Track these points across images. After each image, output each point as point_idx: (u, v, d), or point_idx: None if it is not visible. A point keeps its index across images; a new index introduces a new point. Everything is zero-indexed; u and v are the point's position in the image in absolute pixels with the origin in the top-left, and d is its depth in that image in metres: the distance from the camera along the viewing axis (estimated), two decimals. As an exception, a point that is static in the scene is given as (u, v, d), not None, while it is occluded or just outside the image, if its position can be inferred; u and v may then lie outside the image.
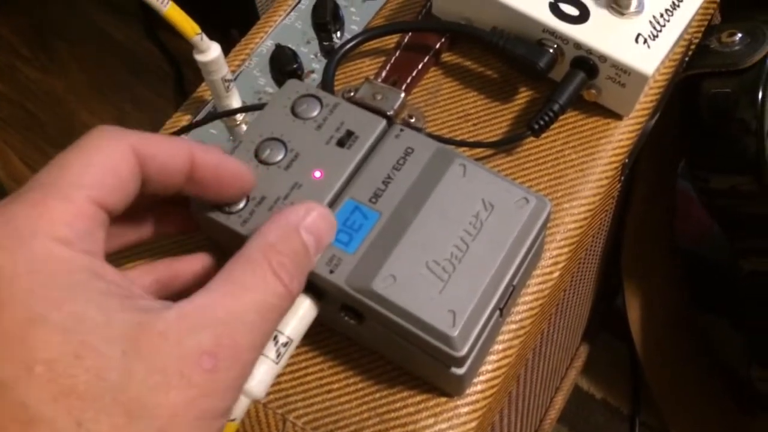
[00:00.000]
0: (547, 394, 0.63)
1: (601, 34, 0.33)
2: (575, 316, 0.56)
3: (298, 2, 0.42)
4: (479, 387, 0.30)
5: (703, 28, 0.41)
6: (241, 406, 0.26)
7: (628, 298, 0.61)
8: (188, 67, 0.97)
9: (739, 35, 0.43)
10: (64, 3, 1.06)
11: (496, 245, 0.27)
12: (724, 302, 0.72)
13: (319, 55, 0.40)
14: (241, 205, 0.28)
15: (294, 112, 0.31)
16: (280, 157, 0.29)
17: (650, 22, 0.34)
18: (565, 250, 0.33)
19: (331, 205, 0.28)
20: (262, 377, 0.26)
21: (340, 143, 0.30)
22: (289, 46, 0.40)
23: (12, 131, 0.96)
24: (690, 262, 0.70)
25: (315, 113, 0.30)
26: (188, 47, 0.35)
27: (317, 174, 0.29)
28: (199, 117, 0.38)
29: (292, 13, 0.41)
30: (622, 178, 0.38)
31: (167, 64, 0.99)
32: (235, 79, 0.39)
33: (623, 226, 0.54)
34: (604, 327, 0.74)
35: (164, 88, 0.98)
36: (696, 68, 0.43)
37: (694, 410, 0.68)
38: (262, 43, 0.41)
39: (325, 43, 0.40)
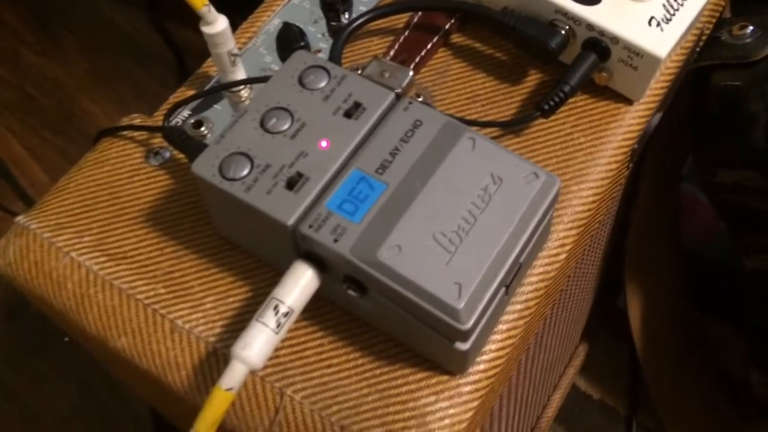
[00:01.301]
0: (545, 391, 0.62)
1: (614, 15, 0.33)
2: (576, 311, 0.55)
3: (307, -18, 0.41)
4: (482, 366, 0.29)
5: (714, 19, 0.41)
6: (239, 375, 0.26)
7: (629, 297, 0.60)
8: (192, 58, 0.97)
9: (751, 28, 0.42)
10: (69, -10, 1.05)
11: (504, 219, 0.27)
12: (726, 305, 0.72)
13: (326, 34, 0.40)
14: (245, 171, 0.28)
15: (301, 83, 0.30)
16: (286, 126, 0.29)
17: (663, 5, 0.34)
18: (573, 232, 0.32)
19: (337, 175, 0.28)
20: (261, 347, 0.26)
21: (348, 114, 0.29)
22: (297, 24, 0.40)
23: (12, 116, 0.96)
24: (693, 264, 0.69)
25: (322, 84, 0.30)
26: (192, 37, 0.34)
27: (323, 144, 0.28)
28: (208, 87, 0.38)
29: (300, -7, 0.41)
30: (631, 164, 0.37)
31: (171, 54, 0.99)
32: (241, 56, 0.39)
33: (627, 223, 0.54)
34: (603, 327, 0.73)
35: (167, 77, 0.98)
36: (706, 60, 0.42)
37: (692, 413, 0.67)
38: (269, 21, 0.40)
39: (332, 23, 0.40)
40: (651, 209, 0.53)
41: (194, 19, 0.34)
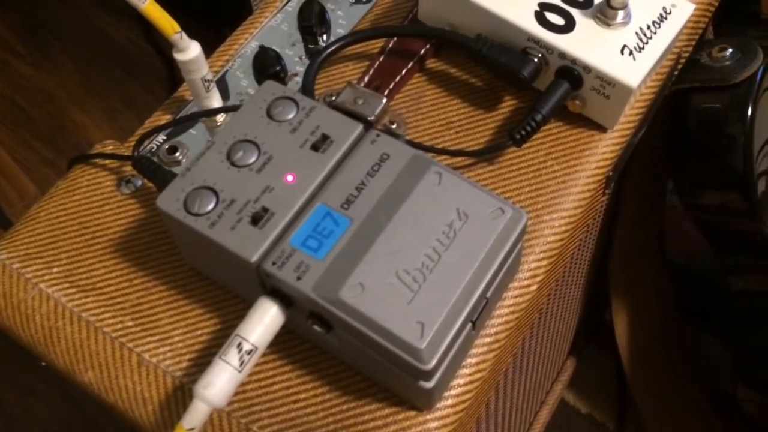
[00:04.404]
0: (531, 408, 0.62)
1: (587, 44, 0.33)
2: (561, 330, 0.55)
3: (285, 4, 0.41)
4: (450, 401, 0.29)
5: (693, 42, 0.41)
6: (201, 415, 0.26)
7: (615, 313, 0.60)
8: (183, 68, 0.97)
9: (730, 50, 0.42)
10: (61, 1, 1.05)
11: (469, 256, 0.26)
12: (713, 319, 0.71)
13: (303, 57, 0.40)
14: (210, 206, 0.28)
15: (269, 115, 0.30)
16: (252, 160, 0.29)
17: (636, 33, 0.33)
18: (544, 263, 0.32)
19: (303, 210, 0.28)
20: (223, 386, 0.26)
21: (315, 147, 0.29)
22: (274, 48, 0.39)
23: (1, 126, 0.96)
24: (680, 277, 0.69)
25: (290, 116, 0.30)
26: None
27: (289, 178, 0.28)
28: (179, 117, 0.38)
29: (278, 15, 0.41)
30: (607, 191, 0.37)
31: (161, 64, 0.99)
32: (218, 79, 0.39)
33: (612, 240, 0.54)
34: (591, 341, 0.73)
35: (158, 87, 0.98)
36: (685, 82, 0.42)
37: (679, 427, 0.67)
38: (246, 44, 0.40)
39: (310, 46, 0.40)
40: (633, 230, 0.53)
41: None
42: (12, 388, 0.77)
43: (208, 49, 0.36)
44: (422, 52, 0.37)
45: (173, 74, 0.98)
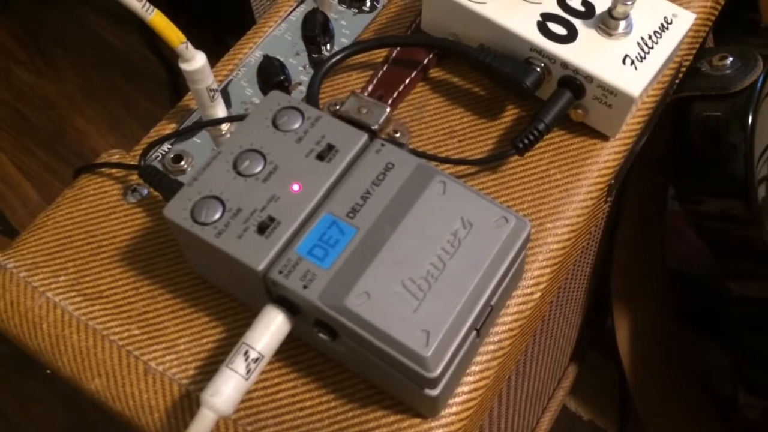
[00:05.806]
0: (533, 415, 0.62)
1: (589, 54, 0.33)
2: (563, 337, 0.55)
3: (289, 13, 0.42)
4: (455, 409, 0.29)
5: (694, 51, 0.41)
6: (208, 423, 0.26)
7: (616, 322, 0.60)
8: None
9: (731, 59, 0.43)
10: (62, 8, 1.06)
11: (473, 264, 0.27)
12: (714, 325, 0.71)
13: (307, 67, 0.40)
14: (217, 215, 0.28)
15: (275, 124, 0.30)
16: (258, 169, 0.29)
17: (638, 43, 0.34)
18: (547, 270, 0.32)
19: (309, 219, 0.28)
20: (230, 393, 0.26)
21: (320, 157, 0.29)
22: (278, 57, 0.40)
23: (3, 134, 0.96)
24: (681, 284, 0.69)
25: (296, 126, 0.30)
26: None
27: (295, 187, 0.29)
28: (184, 126, 0.38)
29: (282, 25, 0.41)
30: (609, 199, 0.38)
31: (163, 72, 0.99)
32: (222, 88, 0.39)
33: (613, 247, 0.54)
34: (593, 347, 0.73)
35: (160, 95, 0.98)
36: (686, 91, 0.42)
37: (681, 434, 0.67)
38: (251, 53, 0.40)
39: (314, 56, 0.40)
40: (635, 237, 0.53)
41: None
42: (14, 396, 0.77)
43: (211, 57, 0.36)
44: (425, 61, 0.38)
45: (174, 81, 0.98)
